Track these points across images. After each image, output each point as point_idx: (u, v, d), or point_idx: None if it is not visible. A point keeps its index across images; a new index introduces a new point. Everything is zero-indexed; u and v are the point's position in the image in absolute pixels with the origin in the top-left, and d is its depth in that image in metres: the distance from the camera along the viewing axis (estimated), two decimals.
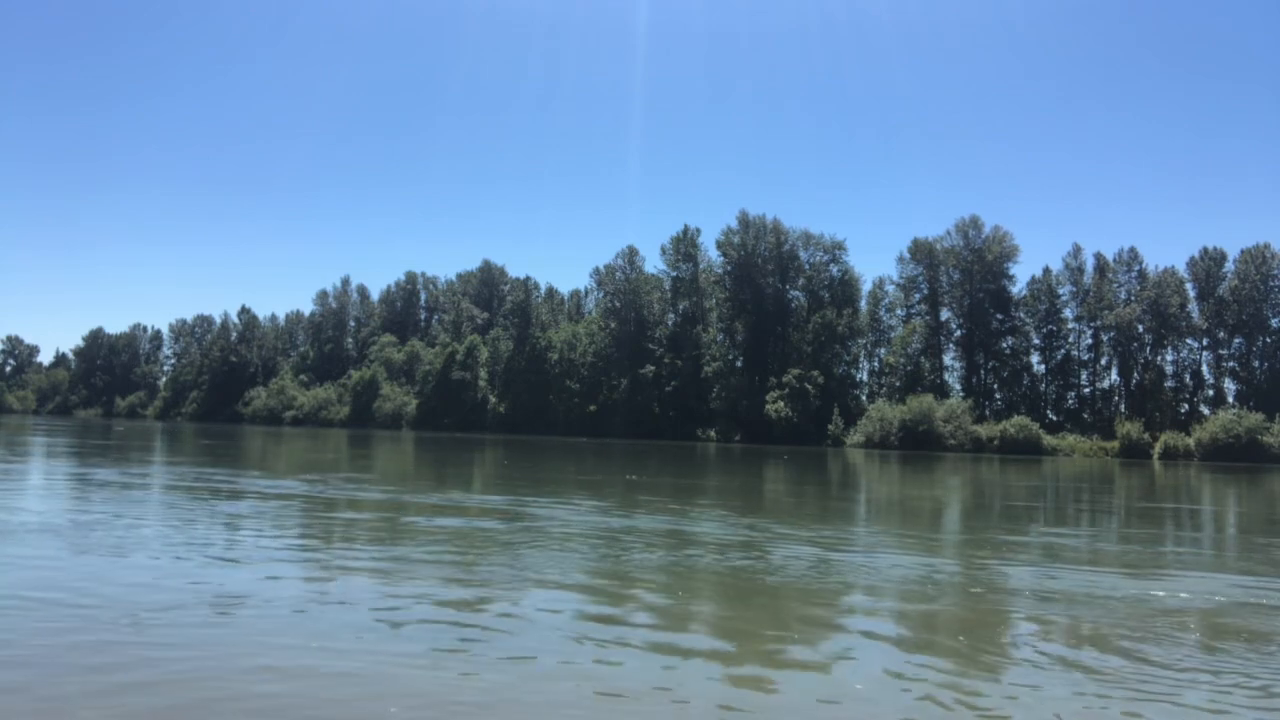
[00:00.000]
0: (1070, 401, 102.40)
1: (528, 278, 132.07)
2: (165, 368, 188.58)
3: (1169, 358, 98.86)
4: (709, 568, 13.08)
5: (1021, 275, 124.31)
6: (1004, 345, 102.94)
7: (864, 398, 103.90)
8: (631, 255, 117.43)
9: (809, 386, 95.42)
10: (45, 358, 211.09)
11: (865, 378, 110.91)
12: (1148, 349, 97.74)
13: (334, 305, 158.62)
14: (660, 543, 15.36)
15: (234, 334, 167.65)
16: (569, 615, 9.71)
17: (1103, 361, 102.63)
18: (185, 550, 13.01)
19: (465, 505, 21.30)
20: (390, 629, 8.73)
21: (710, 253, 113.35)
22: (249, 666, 7.37)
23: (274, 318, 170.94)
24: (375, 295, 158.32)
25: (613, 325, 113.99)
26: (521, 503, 21.97)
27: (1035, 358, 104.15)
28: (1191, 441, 79.99)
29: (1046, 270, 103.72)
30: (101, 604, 9.41)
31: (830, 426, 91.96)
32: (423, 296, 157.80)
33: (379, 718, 6.35)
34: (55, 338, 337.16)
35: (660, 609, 10.32)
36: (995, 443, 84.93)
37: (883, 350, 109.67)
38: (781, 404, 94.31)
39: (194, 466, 33.63)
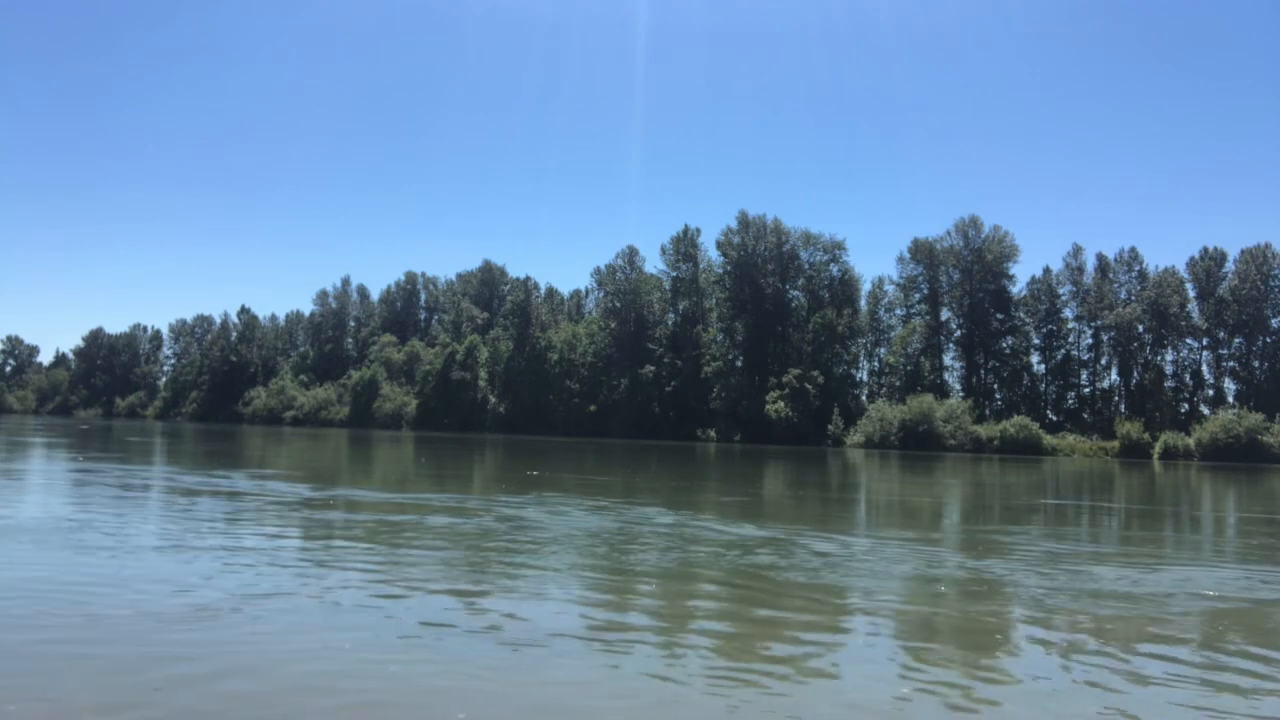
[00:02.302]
0: (1070, 401, 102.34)
1: (528, 278, 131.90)
2: (165, 368, 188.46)
3: (1169, 358, 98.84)
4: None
5: (1021, 275, 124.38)
6: (1004, 345, 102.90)
7: (864, 398, 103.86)
8: (632, 255, 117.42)
9: (809, 386, 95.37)
10: (45, 358, 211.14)
11: (865, 378, 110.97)
12: (1148, 349, 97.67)
13: (334, 305, 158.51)
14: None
15: (234, 334, 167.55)
16: (574, 617, 9.73)
17: (1103, 361, 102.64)
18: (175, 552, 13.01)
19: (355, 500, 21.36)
20: (427, 632, 8.74)
21: (710, 253, 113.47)
22: (298, 672, 7.33)
23: (274, 318, 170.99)
24: (375, 295, 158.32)
25: (613, 325, 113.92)
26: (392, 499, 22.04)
27: (1035, 358, 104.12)
28: (1191, 441, 79.94)
29: (1046, 270, 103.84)
30: (125, 606, 9.42)
31: (830, 426, 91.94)
32: (423, 296, 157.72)
33: None
34: (55, 338, 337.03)
35: (659, 610, 10.32)
36: (995, 443, 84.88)
37: (883, 350, 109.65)
38: (781, 404, 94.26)
39: (116, 464, 33.63)
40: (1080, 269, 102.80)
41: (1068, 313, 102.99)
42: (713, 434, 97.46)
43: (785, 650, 8.48)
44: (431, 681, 7.20)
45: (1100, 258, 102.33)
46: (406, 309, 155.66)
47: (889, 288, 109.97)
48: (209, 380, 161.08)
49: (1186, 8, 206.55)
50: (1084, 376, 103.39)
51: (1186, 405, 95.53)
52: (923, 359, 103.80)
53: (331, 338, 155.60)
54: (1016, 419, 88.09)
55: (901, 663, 8.20)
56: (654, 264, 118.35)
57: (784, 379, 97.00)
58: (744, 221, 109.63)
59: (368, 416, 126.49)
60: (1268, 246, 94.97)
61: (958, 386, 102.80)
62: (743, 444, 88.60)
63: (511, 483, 29.99)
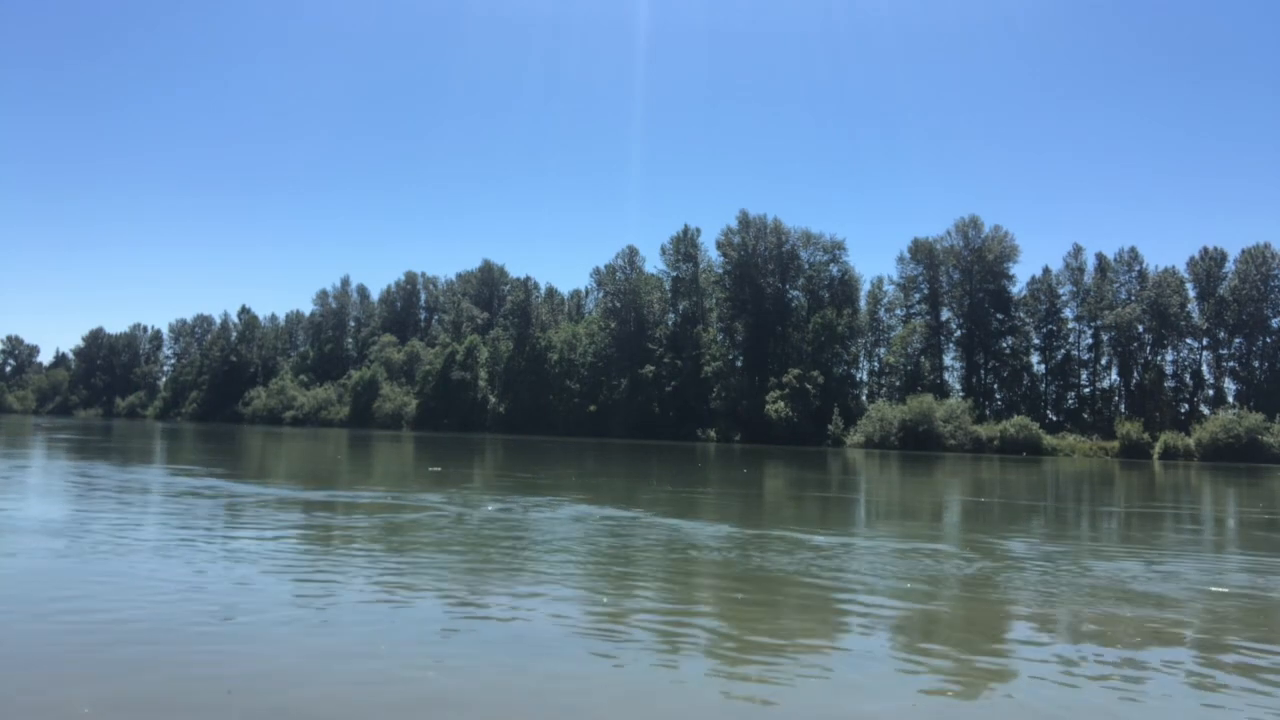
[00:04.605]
0: (1070, 401, 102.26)
1: (528, 278, 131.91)
2: (165, 368, 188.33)
3: (1169, 358, 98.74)
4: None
5: (1021, 275, 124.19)
6: (1004, 345, 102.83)
7: (864, 398, 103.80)
8: (632, 255, 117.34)
9: (809, 386, 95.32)
10: (45, 358, 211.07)
11: (865, 378, 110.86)
12: (1148, 349, 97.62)
13: (334, 305, 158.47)
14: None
15: (234, 334, 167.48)
16: (573, 617, 9.73)
17: (1103, 361, 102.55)
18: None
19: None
20: (463, 636, 8.74)
21: (710, 253, 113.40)
22: (346, 675, 7.34)
23: (274, 318, 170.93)
24: (375, 295, 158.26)
25: (613, 325, 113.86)
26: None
27: (1035, 358, 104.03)
28: (1191, 441, 79.89)
29: (1046, 270, 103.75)
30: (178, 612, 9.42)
31: (830, 426, 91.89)
32: (423, 296, 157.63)
33: None
34: (55, 338, 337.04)
35: (661, 610, 10.33)
36: (995, 443, 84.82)
37: (882, 350, 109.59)
38: (781, 404, 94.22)
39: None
40: (1080, 269, 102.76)
41: (1068, 313, 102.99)
42: (713, 434, 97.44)
43: (786, 648, 8.48)
44: (484, 683, 7.24)
45: (1100, 258, 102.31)
46: (406, 309, 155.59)
47: (889, 288, 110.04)
48: (209, 380, 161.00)
49: (1186, 8, 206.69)
50: (1084, 376, 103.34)
51: (1186, 405, 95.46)
52: (923, 359, 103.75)
53: (331, 338, 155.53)
54: (1016, 419, 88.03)
55: (902, 661, 8.20)
56: (654, 264, 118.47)
57: (784, 379, 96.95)
58: (744, 221, 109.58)
59: (368, 416, 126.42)
60: (1267, 246, 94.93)
61: (958, 386, 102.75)
62: (743, 444, 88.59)
63: (399, 479, 30.47)
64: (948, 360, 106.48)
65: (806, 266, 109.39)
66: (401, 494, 23.62)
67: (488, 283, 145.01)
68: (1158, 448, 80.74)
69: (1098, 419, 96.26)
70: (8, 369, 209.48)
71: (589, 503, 22.20)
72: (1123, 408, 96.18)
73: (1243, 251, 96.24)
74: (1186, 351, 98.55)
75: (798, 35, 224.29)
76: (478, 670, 7.53)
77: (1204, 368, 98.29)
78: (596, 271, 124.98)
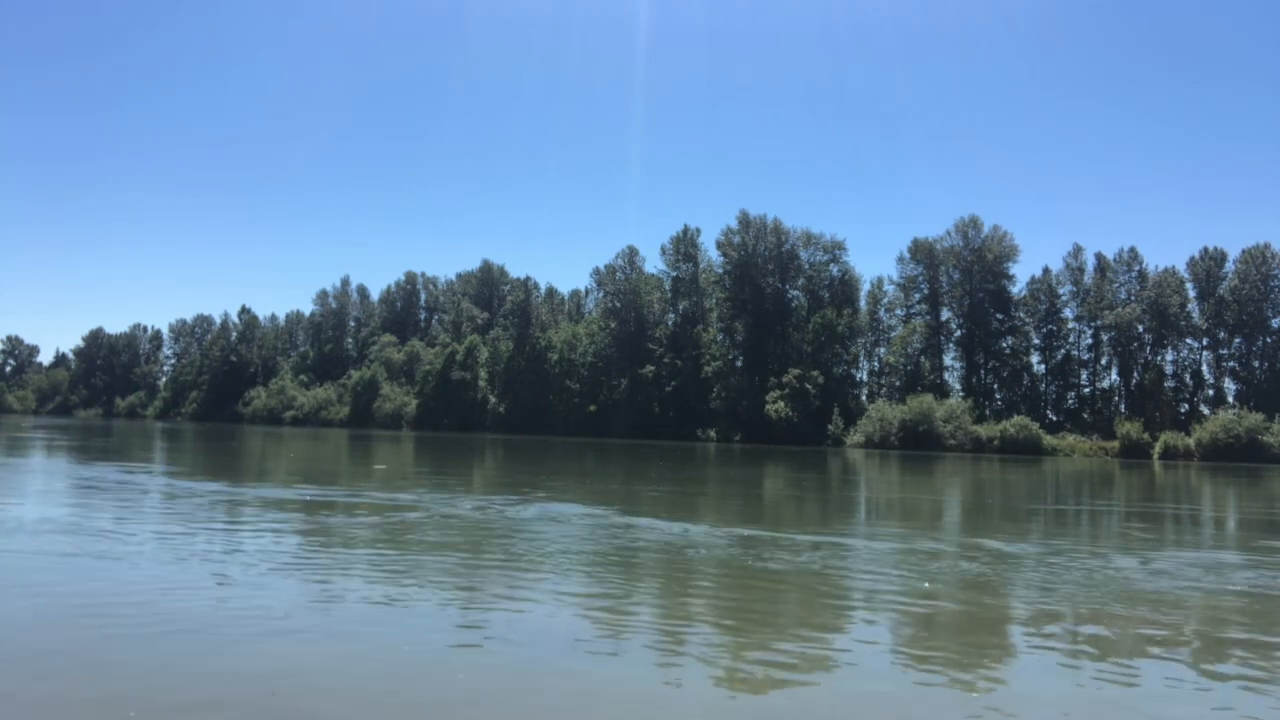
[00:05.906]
0: (1070, 401, 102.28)
1: (528, 278, 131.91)
2: (165, 368, 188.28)
3: (1169, 358, 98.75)
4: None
5: (1021, 275, 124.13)
6: (1004, 345, 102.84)
7: (864, 398, 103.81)
8: (632, 255, 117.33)
9: (809, 386, 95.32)
10: (45, 358, 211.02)
11: (865, 378, 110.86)
12: (1148, 349, 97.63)
13: (334, 305, 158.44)
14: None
15: (234, 334, 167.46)
16: (574, 618, 9.74)
17: (1103, 361, 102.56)
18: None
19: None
20: (478, 638, 8.74)
21: (710, 253, 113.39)
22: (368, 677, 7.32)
23: (274, 318, 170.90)
24: (375, 295, 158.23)
25: (613, 325, 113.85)
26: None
27: (1035, 358, 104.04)
28: (1191, 441, 79.89)
29: (1046, 270, 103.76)
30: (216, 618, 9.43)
31: (830, 426, 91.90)
32: (423, 296, 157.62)
33: None
34: (55, 338, 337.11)
35: (660, 609, 10.34)
36: (995, 443, 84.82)
37: (882, 350, 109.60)
38: (781, 404, 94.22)
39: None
40: (1080, 269, 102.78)
41: (1068, 313, 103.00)
42: (713, 434, 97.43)
43: (787, 647, 8.49)
44: (497, 683, 7.26)
45: (1100, 258, 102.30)
46: (406, 309, 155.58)
47: (889, 288, 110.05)
48: (209, 380, 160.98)
49: (1186, 8, 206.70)
50: (1084, 376, 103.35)
51: (1186, 405, 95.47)
52: (923, 359, 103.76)
53: (331, 338, 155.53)
54: (1016, 419, 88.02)
55: (903, 660, 8.21)
56: (654, 264, 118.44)
57: (784, 379, 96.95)
58: (744, 221, 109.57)
59: (368, 416, 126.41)
60: (1267, 246, 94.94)
61: (958, 386, 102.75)
62: (743, 444, 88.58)
63: (336, 477, 30.82)
64: (948, 360, 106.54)
65: (806, 266, 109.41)
66: (320, 490, 23.67)
67: (488, 283, 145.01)
68: (1158, 448, 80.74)
69: (1098, 419, 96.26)
70: (8, 369, 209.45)
71: (560, 501, 22.21)
72: (1123, 408, 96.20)
73: (1243, 251, 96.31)
74: (1186, 351, 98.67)
75: (798, 35, 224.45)
76: (493, 671, 7.55)
77: (1204, 368, 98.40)
78: (596, 271, 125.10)
